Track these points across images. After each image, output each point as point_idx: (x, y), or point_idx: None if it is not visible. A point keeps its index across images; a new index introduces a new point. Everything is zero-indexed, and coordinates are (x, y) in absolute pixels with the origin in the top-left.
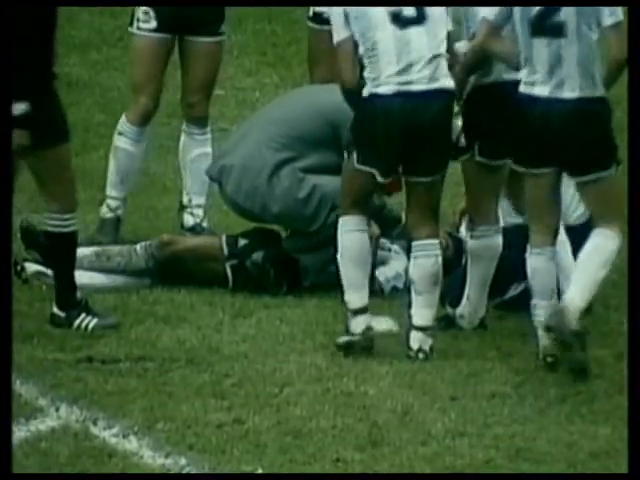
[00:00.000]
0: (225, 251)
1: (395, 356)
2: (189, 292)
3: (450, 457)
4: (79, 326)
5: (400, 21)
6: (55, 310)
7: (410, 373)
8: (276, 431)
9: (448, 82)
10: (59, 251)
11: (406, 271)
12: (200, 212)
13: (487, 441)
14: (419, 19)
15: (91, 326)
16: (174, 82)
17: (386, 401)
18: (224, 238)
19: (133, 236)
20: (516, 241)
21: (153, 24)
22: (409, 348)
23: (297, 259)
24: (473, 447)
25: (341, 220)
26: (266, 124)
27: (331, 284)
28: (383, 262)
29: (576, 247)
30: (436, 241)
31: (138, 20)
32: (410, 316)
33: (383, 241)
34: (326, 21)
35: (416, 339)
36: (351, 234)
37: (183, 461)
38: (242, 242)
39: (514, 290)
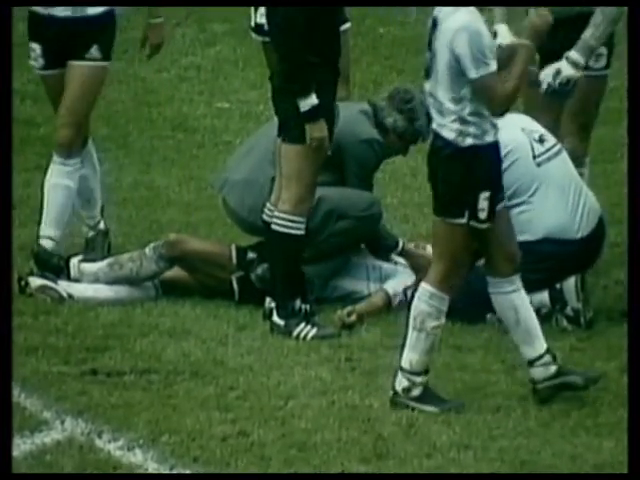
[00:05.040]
0: (234, 261)
1: None
2: (194, 305)
3: (455, 470)
4: (298, 335)
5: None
6: (275, 318)
7: None
8: (281, 444)
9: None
10: (279, 253)
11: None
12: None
13: (492, 454)
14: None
15: (310, 336)
16: (179, 95)
17: (391, 414)
18: (234, 248)
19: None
20: (521, 256)
21: (41, 62)
22: None
23: (303, 273)
24: (478, 460)
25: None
26: (270, 139)
27: (336, 297)
28: (390, 275)
29: (580, 260)
30: (425, 288)
31: (30, 57)
32: None
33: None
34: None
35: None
36: (495, 296)
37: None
38: (251, 255)
39: None
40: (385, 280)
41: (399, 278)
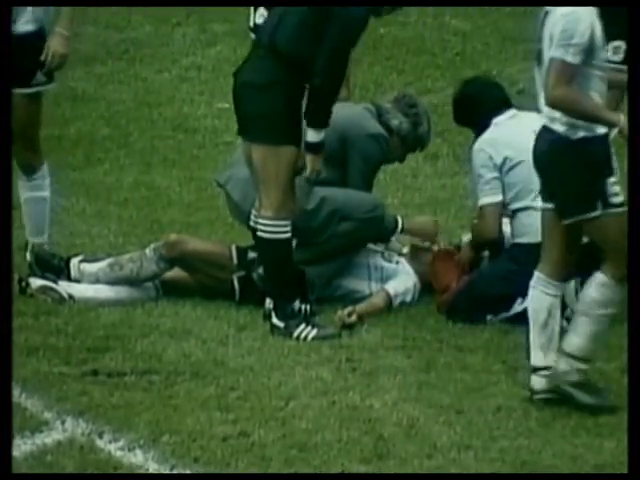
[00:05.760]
0: (235, 261)
1: (400, 369)
2: (194, 305)
3: (456, 470)
4: (298, 337)
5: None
6: (274, 321)
7: (416, 386)
8: (281, 444)
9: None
10: (269, 258)
11: (415, 286)
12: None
13: (493, 454)
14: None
15: (310, 337)
16: (179, 95)
17: (392, 414)
18: (234, 248)
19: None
20: (524, 258)
21: None
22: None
23: (304, 273)
24: (479, 460)
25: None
26: None
27: (337, 297)
28: (391, 276)
29: (581, 263)
30: (598, 277)
31: None
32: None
33: (390, 253)
34: None
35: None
36: (537, 292)
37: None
38: (251, 254)
39: (518, 306)
40: (386, 280)
41: (400, 278)
